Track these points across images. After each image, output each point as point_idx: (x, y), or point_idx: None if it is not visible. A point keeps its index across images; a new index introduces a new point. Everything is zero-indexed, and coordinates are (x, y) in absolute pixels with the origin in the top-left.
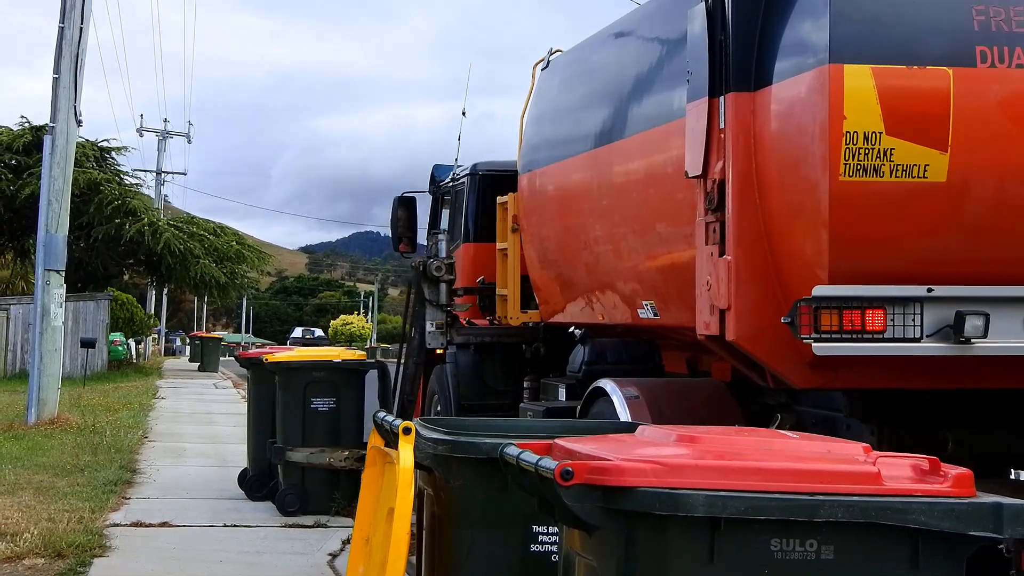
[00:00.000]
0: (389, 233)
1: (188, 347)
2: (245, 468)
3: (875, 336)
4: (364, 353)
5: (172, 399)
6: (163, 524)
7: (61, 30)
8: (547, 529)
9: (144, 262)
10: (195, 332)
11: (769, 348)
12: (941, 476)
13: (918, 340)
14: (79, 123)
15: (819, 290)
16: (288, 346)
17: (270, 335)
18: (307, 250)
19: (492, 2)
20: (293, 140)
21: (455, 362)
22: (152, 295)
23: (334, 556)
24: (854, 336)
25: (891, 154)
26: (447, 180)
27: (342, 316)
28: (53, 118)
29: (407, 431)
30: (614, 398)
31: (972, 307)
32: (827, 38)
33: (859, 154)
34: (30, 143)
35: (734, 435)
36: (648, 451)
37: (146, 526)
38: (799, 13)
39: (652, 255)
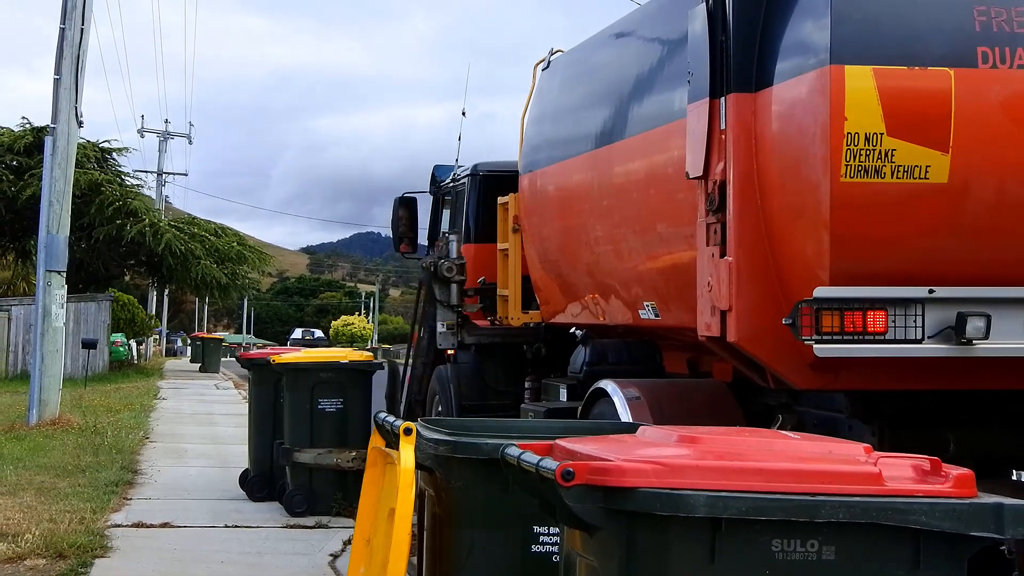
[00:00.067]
0: (390, 234)
1: (189, 348)
2: (246, 469)
3: (876, 337)
4: (371, 354)
5: (173, 400)
6: (164, 525)
7: (62, 31)
8: (548, 530)
9: (145, 263)
10: (196, 333)
11: (770, 349)
12: (942, 476)
13: (919, 341)
14: (80, 124)
15: (820, 291)
16: (291, 347)
17: (271, 336)
18: (308, 251)
19: (492, 2)
20: (293, 140)
21: (456, 362)
22: (153, 296)
23: (335, 557)
24: (855, 337)
25: (892, 155)
26: (448, 180)
27: (343, 317)
28: (54, 119)
29: (408, 432)
30: (615, 399)
31: (973, 308)
32: (828, 39)
33: (860, 155)
34: (31, 144)
35: (735, 436)
36: (649, 452)
37: (147, 527)
38: (800, 14)
39: (653, 256)
